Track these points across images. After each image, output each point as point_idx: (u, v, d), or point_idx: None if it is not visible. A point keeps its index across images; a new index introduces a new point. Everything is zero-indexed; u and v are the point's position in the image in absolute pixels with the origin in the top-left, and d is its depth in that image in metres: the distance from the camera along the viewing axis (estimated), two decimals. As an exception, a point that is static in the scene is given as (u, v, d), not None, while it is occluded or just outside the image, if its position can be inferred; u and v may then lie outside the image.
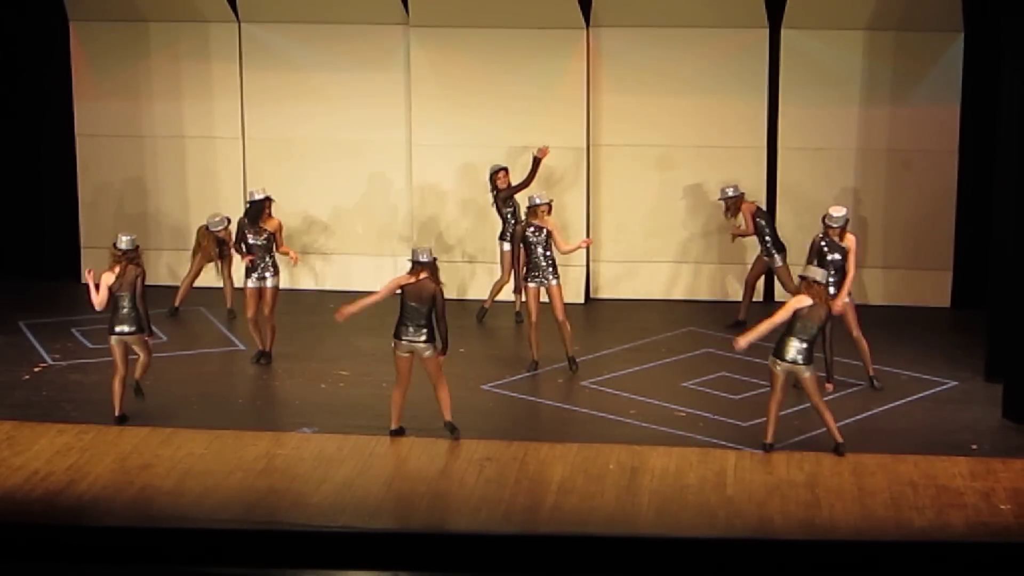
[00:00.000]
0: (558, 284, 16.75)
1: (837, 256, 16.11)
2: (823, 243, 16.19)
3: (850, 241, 16.20)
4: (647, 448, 14.67)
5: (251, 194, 17.38)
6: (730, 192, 18.14)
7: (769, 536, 12.94)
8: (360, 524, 13.17)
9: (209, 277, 18.96)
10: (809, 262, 15.93)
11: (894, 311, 18.86)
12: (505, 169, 18.36)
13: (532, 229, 16.68)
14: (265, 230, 17.05)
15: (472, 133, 19.38)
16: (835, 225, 16.18)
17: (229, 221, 18.29)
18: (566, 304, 16.76)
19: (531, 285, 16.67)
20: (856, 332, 16.12)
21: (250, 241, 17.05)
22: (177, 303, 18.86)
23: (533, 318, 16.66)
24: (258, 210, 17.10)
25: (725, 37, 19.05)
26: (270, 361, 17.05)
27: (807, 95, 18.99)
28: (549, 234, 16.68)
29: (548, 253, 16.69)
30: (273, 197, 17.29)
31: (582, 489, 13.86)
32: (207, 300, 19.03)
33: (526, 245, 16.68)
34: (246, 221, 17.20)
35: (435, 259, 14.83)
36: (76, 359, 17.24)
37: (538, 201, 16.74)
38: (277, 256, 17.16)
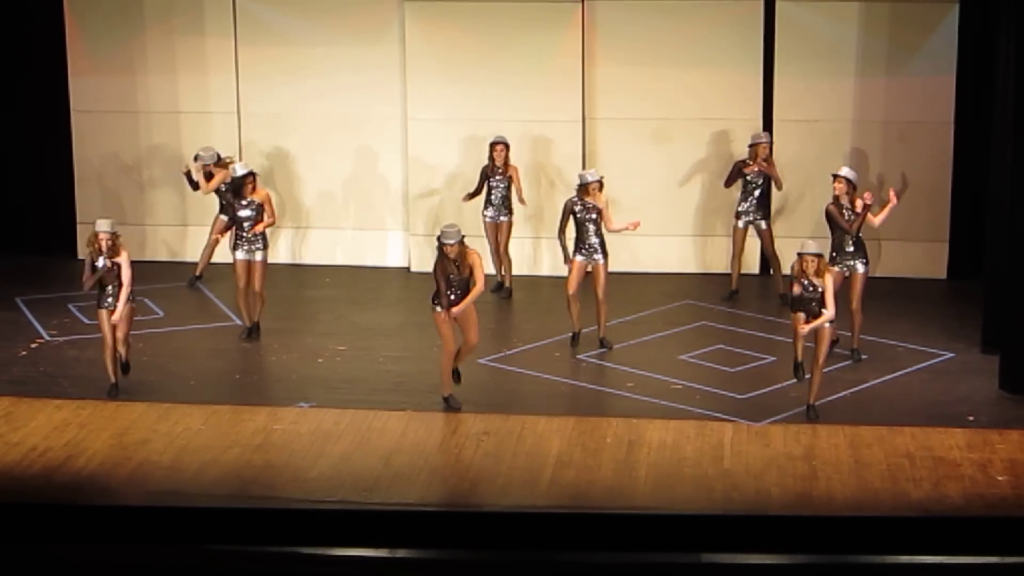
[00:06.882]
0: (605, 263, 16.64)
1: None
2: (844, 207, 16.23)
3: (859, 204, 16.23)
4: (644, 421, 14.69)
5: (233, 169, 17.33)
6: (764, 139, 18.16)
7: (766, 509, 12.97)
8: (358, 498, 13.20)
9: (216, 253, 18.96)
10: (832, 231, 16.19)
11: (890, 283, 18.84)
12: (504, 143, 18.26)
13: (580, 206, 16.56)
14: (253, 200, 16.98)
15: (467, 107, 19.34)
16: (844, 176, 16.22)
17: (219, 156, 18.26)
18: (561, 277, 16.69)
19: (578, 259, 16.52)
20: (856, 304, 16.18)
21: (238, 213, 16.99)
22: (198, 272, 18.97)
23: (571, 290, 16.52)
24: (238, 186, 17.02)
25: (720, 8, 19.01)
26: (259, 335, 17.01)
27: (802, 67, 18.95)
28: (599, 212, 16.61)
29: (598, 231, 16.58)
30: (256, 172, 17.20)
31: (579, 463, 13.88)
32: (205, 275, 19.02)
33: (576, 221, 16.55)
34: (230, 194, 17.17)
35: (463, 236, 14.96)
36: (73, 335, 17.24)
37: (589, 179, 16.53)
38: (266, 229, 17.09)
